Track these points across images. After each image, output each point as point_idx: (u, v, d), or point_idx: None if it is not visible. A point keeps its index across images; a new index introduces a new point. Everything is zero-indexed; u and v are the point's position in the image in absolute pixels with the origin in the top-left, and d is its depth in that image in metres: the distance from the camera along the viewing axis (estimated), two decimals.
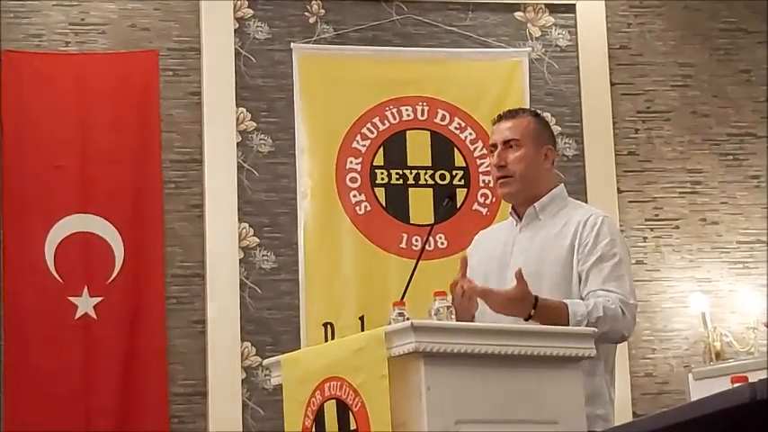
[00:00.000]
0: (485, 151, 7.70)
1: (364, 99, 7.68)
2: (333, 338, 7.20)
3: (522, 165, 4.11)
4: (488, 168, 7.80)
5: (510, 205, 4.27)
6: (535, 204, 4.13)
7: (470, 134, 7.73)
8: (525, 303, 3.81)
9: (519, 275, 3.79)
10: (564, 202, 4.17)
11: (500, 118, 4.22)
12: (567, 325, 3.81)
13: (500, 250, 4.18)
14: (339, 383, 3.55)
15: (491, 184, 7.66)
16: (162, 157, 7.43)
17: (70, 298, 7.14)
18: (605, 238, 4.00)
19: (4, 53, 7.33)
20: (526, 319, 3.82)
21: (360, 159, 7.61)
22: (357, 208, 7.55)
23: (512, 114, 4.21)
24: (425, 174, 7.65)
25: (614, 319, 3.86)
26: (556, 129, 7.80)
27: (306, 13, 7.74)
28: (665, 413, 2.41)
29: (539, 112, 4.39)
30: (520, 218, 4.19)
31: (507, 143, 4.13)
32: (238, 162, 7.48)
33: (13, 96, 7.28)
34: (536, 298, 3.82)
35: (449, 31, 7.88)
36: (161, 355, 7.21)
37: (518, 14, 7.99)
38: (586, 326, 3.78)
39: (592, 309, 3.84)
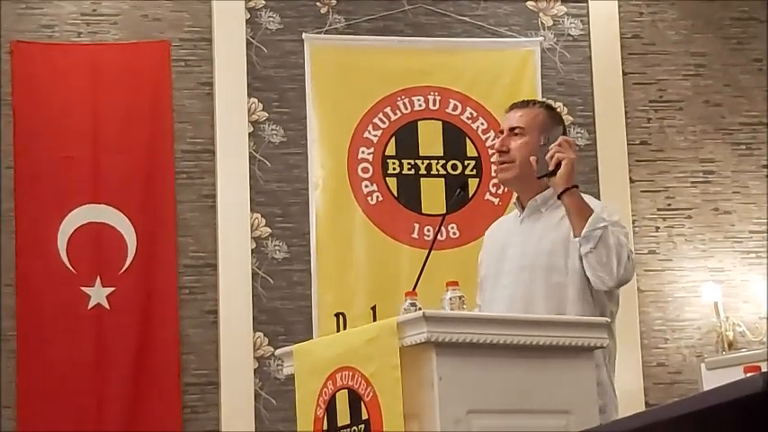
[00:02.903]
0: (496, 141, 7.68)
1: (376, 89, 7.68)
2: (345, 328, 7.20)
3: (524, 152, 4.13)
4: None
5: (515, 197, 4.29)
6: (537, 197, 4.14)
7: (482, 124, 7.73)
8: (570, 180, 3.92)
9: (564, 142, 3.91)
10: None
11: (512, 107, 4.27)
12: (590, 212, 3.88)
13: (502, 241, 4.21)
14: (351, 373, 3.55)
15: None
16: (174, 148, 7.44)
17: (83, 288, 7.16)
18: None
19: (15, 44, 7.34)
20: (561, 194, 3.94)
21: (371, 149, 7.61)
22: (369, 198, 7.55)
23: (523, 104, 4.25)
24: (437, 164, 7.65)
25: (621, 248, 3.88)
26: (568, 118, 7.79)
27: (317, 4, 7.73)
28: (678, 403, 2.41)
29: (552, 105, 4.40)
30: (523, 209, 4.19)
31: (513, 130, 4.17)
32: (250, 152, 7.49)
33: (25, 87, 7.29)
34: (575, 186, 3.90)
35: (460, 20, 7.87)
36: (173, 346, 7.22)
37: (530, 4, 7.97)
38: (603, 225, 3.83)
39: (609, 222, 3.86)
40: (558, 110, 4.41)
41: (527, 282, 4.01)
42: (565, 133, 4.26)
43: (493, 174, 7.64)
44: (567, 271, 3.99)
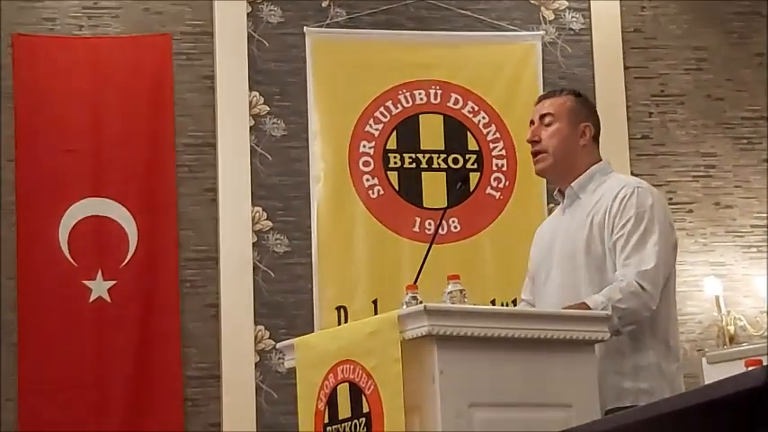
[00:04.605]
0: (498, 135, 7.69)
1: (377, 83, 7.68)
2: (346, 322, 7.21)
3: (555, 140, 4.12)
4: (501, 152, 7.85)
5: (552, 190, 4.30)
6: (573, 184, 4.13)
7: (483, 118, 7.72)
8: None
9: None
10: (604, 177, 4.14)
11: (541, 98, 4.25)
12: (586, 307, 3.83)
13: (549, 235, 4.20)
14: (352, 367, 3.55)
15: (504, 168, 7.66)
16: (175, 141, 7.43)
17: (84, 282, 7.16)
18: (632, 209, 3.97)
19: (17, 37, 7.34)
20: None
21: (373, 143, 7.61)
22: (370, 192, 7.55)
23: (552, 93, 4.25)
24: (438, 157, 7.65)
25: (634, 295, 3.84)
26: None
27: None
28: (679, 397, 2.41)
29: (581, 92, 4.36)
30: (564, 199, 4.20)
31: (542, 119, 4.15)
32: (251, 146, 7.49)
33: (26, 80, 7.29)
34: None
35: (462, 14, 7.86)
36: (175, 339, 7.22)
37: None
38: (612, 311, 3.78)
39: (609, 295, 3.82)
40: (587, 97, 4.36)
41: (572, 269, 4.01)
42: (596, 122, 4.23)
43: (494, 168, 7.66)
44: (605, 255, 3.98)
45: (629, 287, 3.84)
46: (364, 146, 7.60)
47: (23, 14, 7.39)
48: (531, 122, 4.20)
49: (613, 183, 4.11)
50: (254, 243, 7.41)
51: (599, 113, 8.20)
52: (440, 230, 7.16)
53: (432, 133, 7.67)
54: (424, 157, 7.64)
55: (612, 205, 4.01)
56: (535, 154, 4.15)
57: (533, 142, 4.15)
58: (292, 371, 3.87)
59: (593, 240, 4.00)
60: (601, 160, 4.20)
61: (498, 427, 3.45)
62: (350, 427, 3.56)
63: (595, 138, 4.20)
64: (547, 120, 4.14)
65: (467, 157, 7.69)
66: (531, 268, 4.27)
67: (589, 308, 3.80)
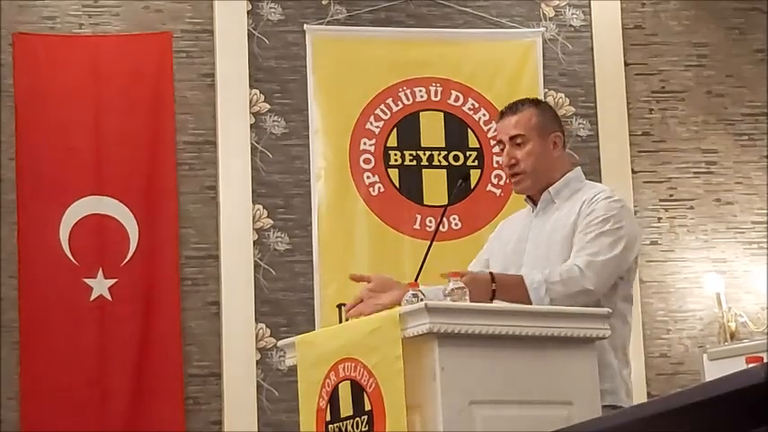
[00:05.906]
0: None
1: (377, 80, 7.68)
2: (347, 320, 7.20)
3: (532, 159, 4.13)
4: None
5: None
6: (549, 189, 4.14)
7: (484, 115, 7.72)
8: (481, 282, 3.79)
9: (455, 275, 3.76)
10: (579, 185, 4.18)
11: (502, 114, 4.24)
12: (528, 295, 3.80)
13: (516, 236, 4.21)
14: (353, 364, 3.55)
15: None
16: (176, 139, 7.44)
17: (85, 280, 7.16)
18: (600, 210, 4.00)
19: (17, 36, 7.34)
20: (492, 299, 3.80)
21: (373, 141, 7.61)
22: (371, 189, 7.55)
23: (514, 109, 4.22)
24: (439, 155, 7.65)
25: (571, 280, 3.83)
26: (569, 109, 7.80)
27: None
28: (680, 393, 2.41)
29: (540, 99, 4.38)
30: (535, 203, 4.20)
31: (513, 140, 4.15)
32: (252, 144, 7.49)
33: (27, 79, 7.29)
34: (491, 274, 3.81)
35: (462, 11, 7.86)
36: (176, 337, 7.23)
37: None
38: (545, 292, 3.78)
39: (548, 275, 3.83)
40: (547, 101, 4.39)
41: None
42: (561, 127, 4.25)
43: (495, 165, 7.66)
44: None
45: (570, 272, 3.85)
46: (365, 143, 7.60)
47: (24, 13, 7.39)
48: (500, 142, 4.21)
49: (590, 191, 4.14)
50: (254, 241, 7.41)
51: (599, 110, 8.25)
52: (440, 228, 7.16)
53: (432, 130, 7.68)
54: (424, 154, 7.64)
55: (585, 208, 4.03)
56: (513, 175, 4.17)
57: (510, 165, 4.16)
58: (293, 369, 3.87)
59: (568, 242, 4.01)
60: (573, 167, 4.21)
61: (499, 425, 3.45)
62: (351, 425, 3.56)
63: (564, 143, 4.21)
64: (518, 140, 4.15)
65: (467, 154, 7.69)
66: (487, 257, 4.26)
67: (524, 282, 3.80)
